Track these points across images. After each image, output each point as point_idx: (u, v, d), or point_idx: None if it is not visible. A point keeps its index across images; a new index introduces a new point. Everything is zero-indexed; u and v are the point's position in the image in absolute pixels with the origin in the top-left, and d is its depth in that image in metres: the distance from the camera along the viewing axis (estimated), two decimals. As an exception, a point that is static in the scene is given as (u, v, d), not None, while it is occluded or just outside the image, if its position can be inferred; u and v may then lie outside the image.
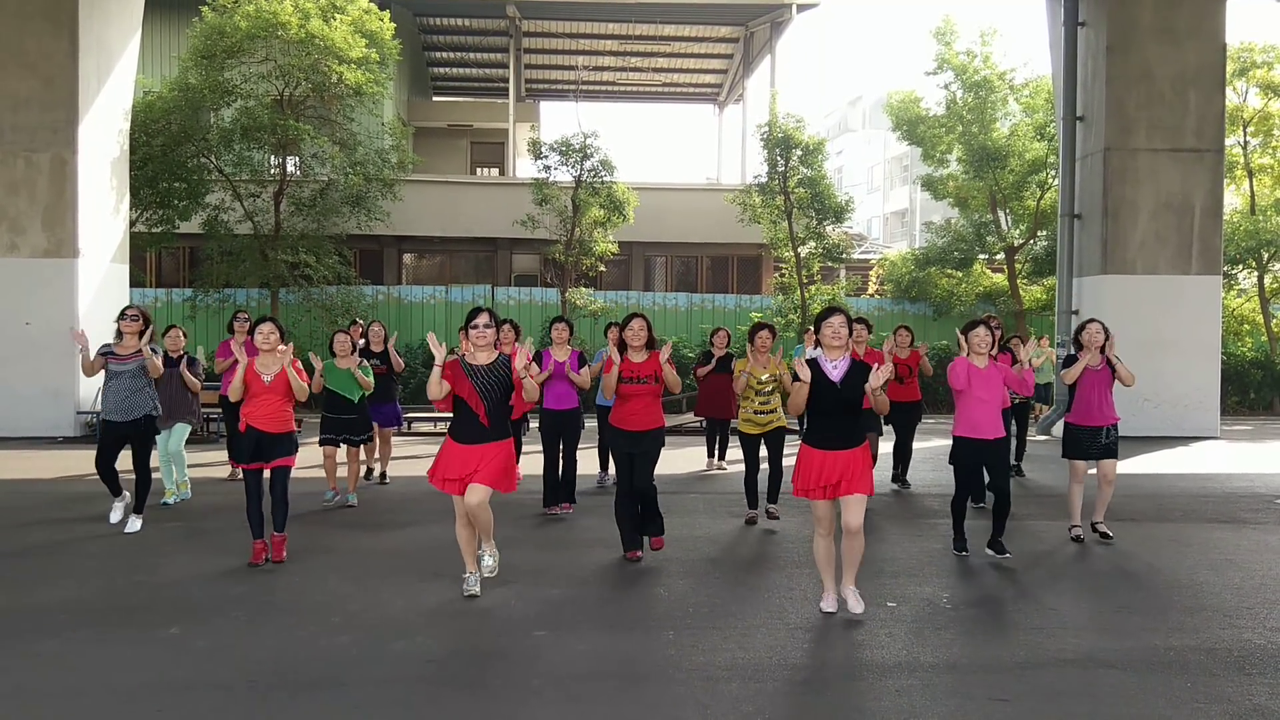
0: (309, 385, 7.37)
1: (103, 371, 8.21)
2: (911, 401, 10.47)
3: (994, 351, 7.61)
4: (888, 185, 63.67)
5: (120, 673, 5.05)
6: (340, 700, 4.71)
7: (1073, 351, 8.20)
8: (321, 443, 9.50)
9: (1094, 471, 8.14)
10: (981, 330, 7.30)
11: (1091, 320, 8.22)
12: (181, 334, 9.77)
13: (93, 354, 8.11)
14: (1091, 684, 4.95)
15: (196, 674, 5.02)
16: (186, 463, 9.81)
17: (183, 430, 9.54)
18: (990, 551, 7.47)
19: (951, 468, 7.63)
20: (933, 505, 9.78)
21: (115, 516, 8.59)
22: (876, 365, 5.83)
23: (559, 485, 9.19)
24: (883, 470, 10.87)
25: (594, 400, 10.32)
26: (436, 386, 6.08)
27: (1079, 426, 8.04)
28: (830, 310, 6.01)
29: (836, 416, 5.86)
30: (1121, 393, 8.29)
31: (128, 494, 8.58)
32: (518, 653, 5.37)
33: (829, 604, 6.11)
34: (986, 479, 7.75)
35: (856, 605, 6.00)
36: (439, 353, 6.05)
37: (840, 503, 5.90)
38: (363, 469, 10.71)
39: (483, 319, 6.18)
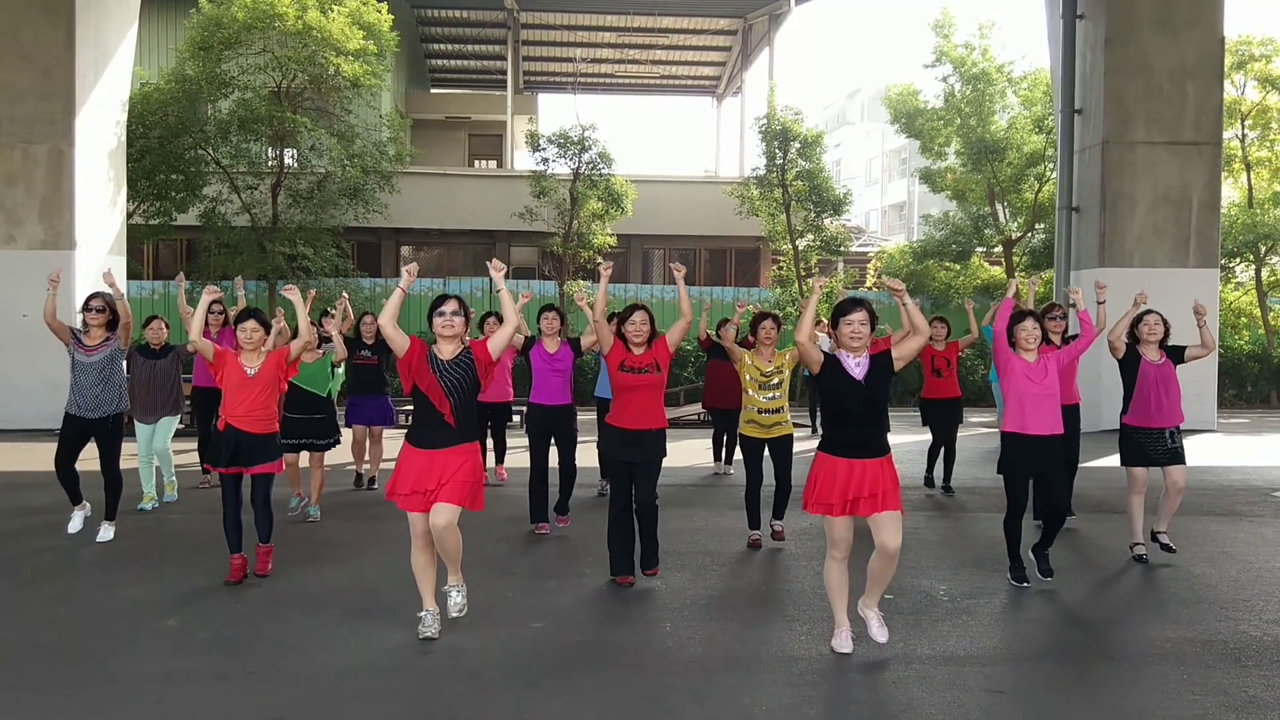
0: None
1: (70, 361, 7.52)
2: (951, 399, 9.85)
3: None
4: (886, 178, 63.69)
5: (118, 662, 5.06)
6: (340, 690, 4.72)
7: (1128, 342, 7.29)
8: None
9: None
10: (1029, 323, 6.42)
11: (1149, 311, 7.27)
12: (164, 325, 9.01)
13: (72, 323, 7.24)
14: (1087, 676, 4.97)
15: (195, 664, 5.03)
16: (173, 462, 9.21)
17: (169, 425, 8.87)
18: (1030, 555, 6.67)
19: (998, 476, 6.67)
20: (935, 499, 9.78)
21: (74, 526, 7.79)
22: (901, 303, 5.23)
23: (547, 496, 8.10)
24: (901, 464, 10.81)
25: (592, 393, 9.85)
26: (393, 312, 5.48)
27: (1138, 429, 7.15)
28: (852, 303, 5.24)
29: (860, 421, 5.16)
30: (1119, 386, 7.50)
31: (88, 503, 7.88)
32: (515, 644, 5.38)
33: (843, 643, 5.27)
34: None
35: (880, 633, 5.28)
36: (409, 278, 5.52)
37: (872, 522, 5.14)
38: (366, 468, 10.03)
39: (449, 306, 5.45)
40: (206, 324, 9.49)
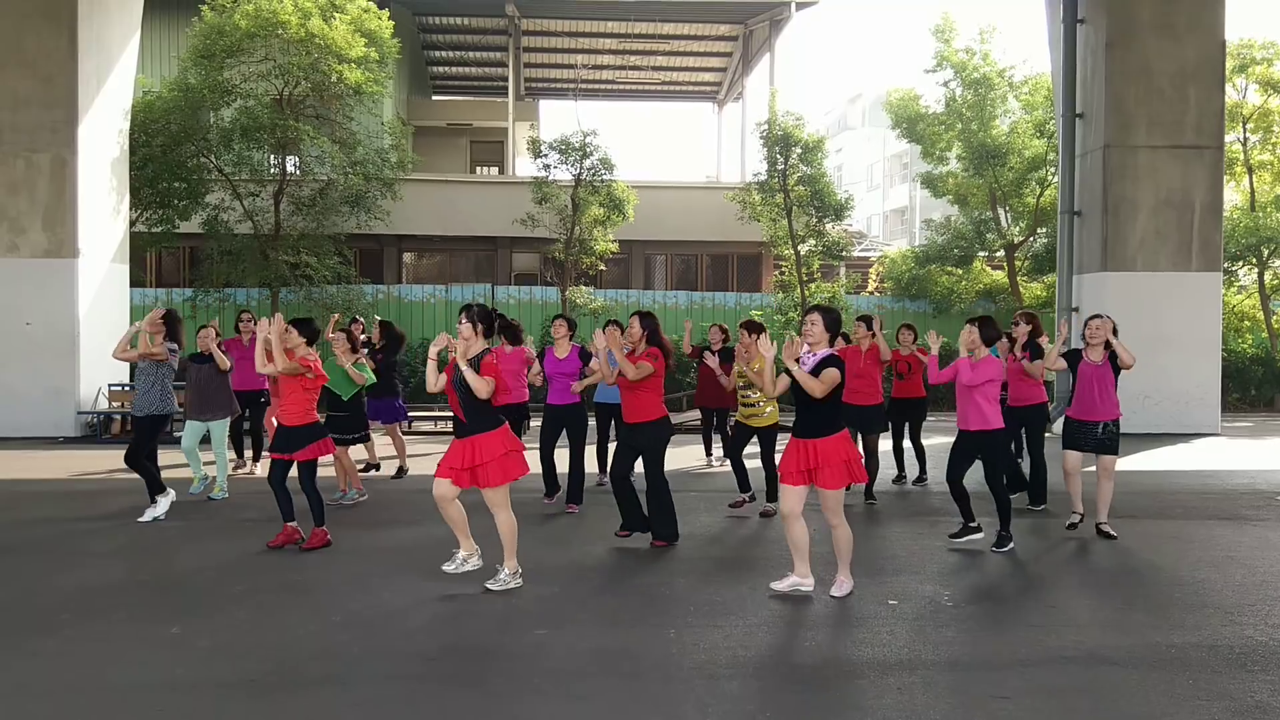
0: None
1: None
2: (916, 398, 10.43)
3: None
4: (887, 183, 63.65)
5: (120, 671, 5.05)
6: (341, 698, 4.70)
7: (1077, 346, 8.29)
8: None
9: (1093, 469, 8.12)
10: (966, 329, 7.58)
11: (1095, 316, 8.20)
12: (215, 332, 9.76)
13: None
14: (1093, 681, 4.95)
15: (197, 672, 5.01)
16: (228, 459, 9.87)
17: (222, 426, 9.61)
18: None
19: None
20: (935, 504, 9.77)
21: (161, 511, 8.67)
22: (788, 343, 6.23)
23: (555, 478, 9.25)
24: (885, 470, 10.87)
25: (592, 399, 10.22)
26: (434, 378, 6.42)
27: (1075, 420, 8.16)
28: (810, 309, 6.50)
29: (808, 408, 6.27)
30: (1123, 389, 8.22)
31: (172, 491, 8.75)
32: (519, 650, 5.36)
33: (783, 584, 6.39)
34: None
35: (838, 590, 6.33)
36: (440, 343, 6.37)
37: (820, 497, 6.32)
38: (394, 461, 11.14)
39: (462, 318, 6.35)
40: (239, 330, 10.79)
